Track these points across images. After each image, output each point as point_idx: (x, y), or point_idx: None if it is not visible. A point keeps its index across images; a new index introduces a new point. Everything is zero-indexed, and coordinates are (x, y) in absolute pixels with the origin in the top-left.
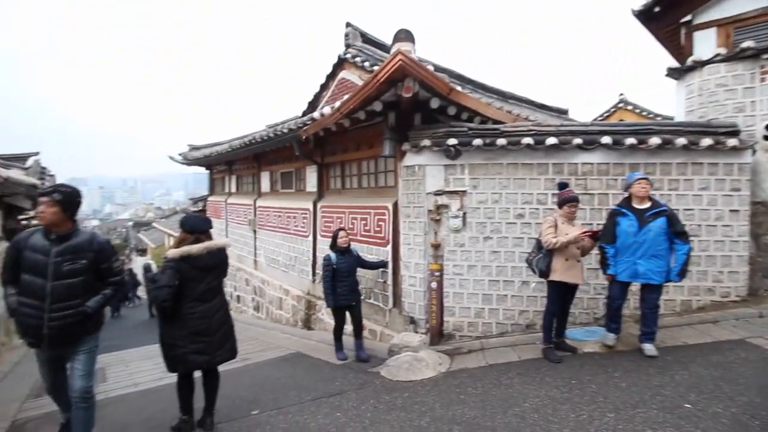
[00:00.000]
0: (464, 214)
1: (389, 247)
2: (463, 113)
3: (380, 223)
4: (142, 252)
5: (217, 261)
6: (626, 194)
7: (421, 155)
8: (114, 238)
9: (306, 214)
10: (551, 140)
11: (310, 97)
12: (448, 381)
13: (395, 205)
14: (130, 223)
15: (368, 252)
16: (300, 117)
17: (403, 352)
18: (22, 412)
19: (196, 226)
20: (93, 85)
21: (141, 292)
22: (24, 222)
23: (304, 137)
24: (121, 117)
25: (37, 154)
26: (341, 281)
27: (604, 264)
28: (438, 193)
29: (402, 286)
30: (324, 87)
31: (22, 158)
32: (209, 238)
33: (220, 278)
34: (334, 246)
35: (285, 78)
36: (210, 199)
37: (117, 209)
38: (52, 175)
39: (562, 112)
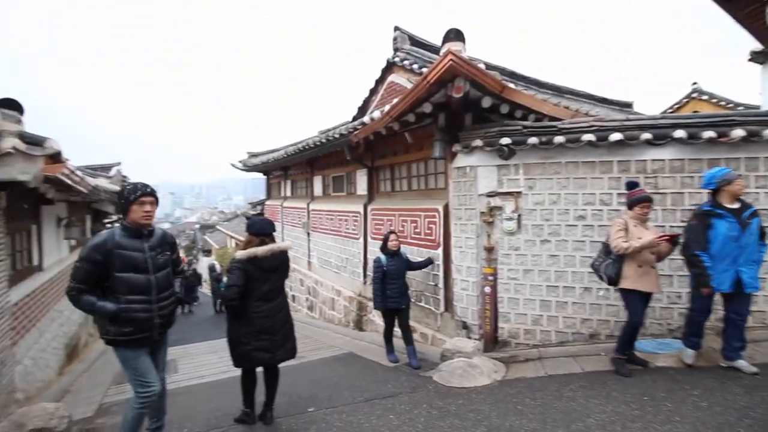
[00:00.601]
0: (519, 216)
1: (440, 250)
2: (516, 111)
3: (431, 225)
4: (207, 252)
5: (280, 262)
6: (709, 192)
7: (473, 156)
8: (183, 240)
9: (357, 216)
10: (615, 136)
11: (360, 103)
12: (504, 390)
13: (446, 208)
14: (197, 226)
15: (419, 255)
16: (350, 122)
17: (456, 358)
18: (107, 397)
19: (262, 228)
20: (155, 97)
21: (202, 290)
22: (108, 225)
23: (354, 141)
24: (184, 124)
25: (118, 164)
26: (391, 284)
27: (703, 276)
28: (491, 195)
29: (454, 289)
30: (373, 91)
31: (106, 168)
32: (272, 240)
33: (283, 279)
34: (384, 248)
35: (340, 81)
36: (267, 203)
37: (185, 213)
38: (128, 185)
39: (625, 106)
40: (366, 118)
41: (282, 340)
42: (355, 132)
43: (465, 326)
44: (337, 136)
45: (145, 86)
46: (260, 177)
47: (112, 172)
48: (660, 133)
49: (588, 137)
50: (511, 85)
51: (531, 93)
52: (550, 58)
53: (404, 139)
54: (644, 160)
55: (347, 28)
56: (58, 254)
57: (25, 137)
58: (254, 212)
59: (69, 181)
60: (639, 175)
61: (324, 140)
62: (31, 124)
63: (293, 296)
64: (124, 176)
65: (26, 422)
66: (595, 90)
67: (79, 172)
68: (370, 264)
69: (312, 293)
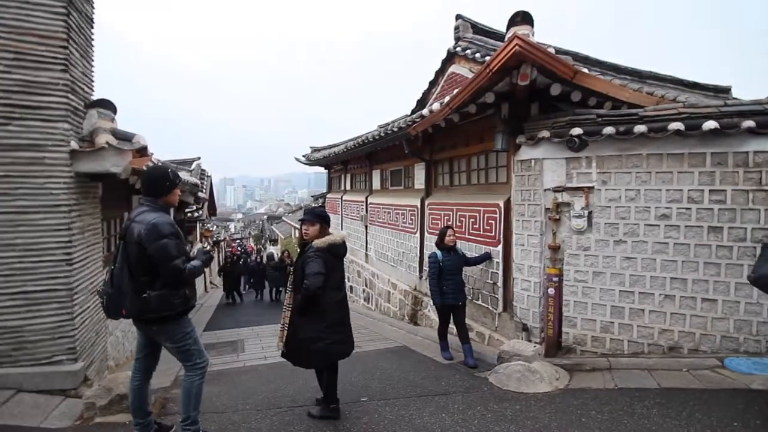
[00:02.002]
0: (590, 213)
1: (500, 248)
2: (589, 99)
3: (490, 221)
4: (274, 242)
5: (346, 250)
6: None
7: (539, 148)
8: (253, 229)
9: (414, 210)
10: (710, 124)
11: (419, 95)
12: (567, 399)
13: (507, 203)
14: (265, 217)
15: (477, 252)
16: (409, 115)
17: (514, 361)
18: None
19: (329, 219)
20: (231, 91)
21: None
22: (189, 214)
23: (412, 135)
24: (257, 120)
25: (198, 159)
26: (447, 279)
27: None
28: (558, 190)
29: (514, 289)
30: (433, 83)
31: (188, 162)
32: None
33: (344, 268)
34: (440, 244)
35: (404, 74)
36: (328, 196)
37: (256, 205)
38: (209, 176)
39: (721, 91)
40: (425, 111)
41: (350, 332)
42: (414, 125)
43: (525, 328)
44: (395, 129)
45: (219, 82)
46: (323, 171)
47: (193, 165)
48: (766, 120)
49: (675, 126)
50: (585, 70)
51: (607, 79)
52: (640, 45)
53: (464, 132)
54: (745, 152)
55: (413, 20)
56: None
57: (117, 133)
58: (315, 204)
59: None
60: (738, 168)
61: (382, 134)
62: (189, 129)
63: (351, 287)
64: (203, 170)
65: (113, 387)
66: (686, 76)
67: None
68: (426, 259)
69: (369, 285)
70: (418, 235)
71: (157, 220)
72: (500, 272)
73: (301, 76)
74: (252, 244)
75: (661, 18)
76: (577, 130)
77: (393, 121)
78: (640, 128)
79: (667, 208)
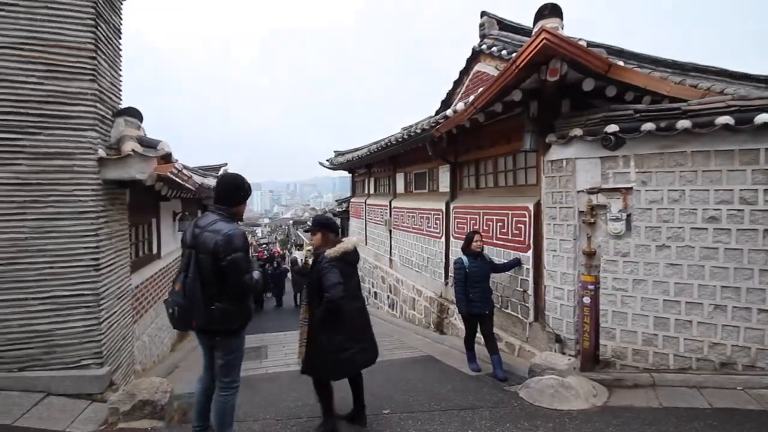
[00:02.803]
0: (629, 216)
1: (530, 253)
2: (626, 94)
3: (519, 225)
4: (299, 247)
5: (359, 256)
6: None
7: (571, 147)
8: (279, 234)
9: (438, 214)
10: (763, 117)
11: (443, 96)
12: (606, 418)
13: (537, 206)
14: (291, 222)
15: (505, 258)
16: (433, 116)
17: (547, 375)
18: None
19: (338, 227)
20: (254, 97)
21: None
22: None
23: (436, 136)
24: (284, 125)
25: (225, 165)
26: (474, 287)
27: None
28: (592, 191)
29: (545, 297)
30: (457, 83)
31: (215, 168)
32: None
33: (358, 273)
34: (466, 249)
35: (431, 76)
36: (352, 200)
37: (282, 209)
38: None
39: None
40: (449, 111)
41: (372, 339)
42: (437, 126)
43: (558, 339)
44: (418, 131)
45: (247, 89)
46: (347, 175)
47: (220, 171)
48: None
49: (724, 120)
50: (620, 63)
51: (645, 72)
52: (677, 37)
53: (490, 132)
54: None
55: (439, 19)
56: (174, 244)
57: (142, 141)
58: (340, 209)
59: (178, 180)
60: None
61: (405, 136)
62: (222, 133)
63: (375, 293)
64: (243, 177)
65: (137, 393)
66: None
67: (186, 171)
68: (452, 265)
69: (393, 291)
70: (443, 239)
71: (233, 232)
72: (530, 279)
73: (329, 81)
74: (278, 249)
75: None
76: (612, 127)
77: (416, 123)
78: (684, 123)
79: (716, 209)
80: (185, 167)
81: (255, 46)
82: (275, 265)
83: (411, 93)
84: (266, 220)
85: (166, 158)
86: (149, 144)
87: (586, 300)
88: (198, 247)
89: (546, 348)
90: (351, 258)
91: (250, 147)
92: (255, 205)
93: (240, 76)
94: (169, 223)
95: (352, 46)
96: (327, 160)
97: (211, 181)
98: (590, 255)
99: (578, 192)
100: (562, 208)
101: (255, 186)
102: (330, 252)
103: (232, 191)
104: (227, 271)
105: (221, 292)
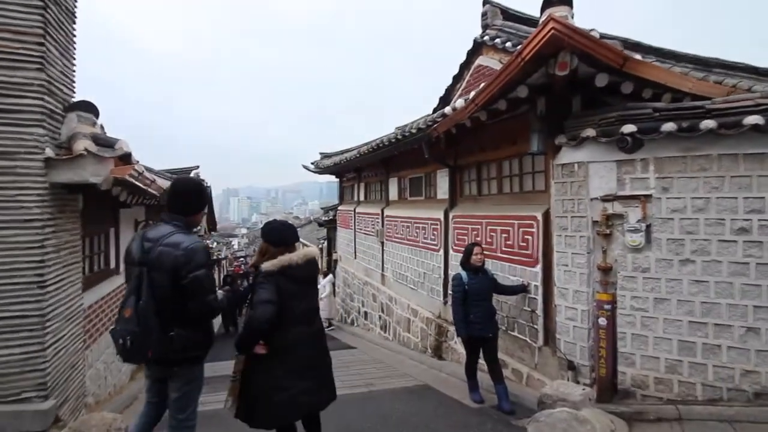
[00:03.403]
0: (648, 227)
1: (538, 268)
2: (644, 90)
3: (526, 237)
4: None
5: (314, 271)
6: None
7: (583, 149)
8: (258, 247)
9: (436, 224)
10: None
11: (442, 92)
12: None
13: (546, 215)
14: None
15: (511, 273)
16: (430, 115)
17: (559, 407)
18: None
19: (282, 238)
20: (230, 99)
21: None
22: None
23: (434, 136)
24: (263, 125)
25: (197, 168)
26: (474, 306)
27: None
28: (607, 199)
29: (556, 319)
30: (457, 78)
31: (185, 171)
32: (295, 250)
33: (317, 294)
34: (466, 263)
35: (424, 75)
36: (340, 208)
37: (261, 218)
38: (209, 187)
39: None
40: (447, 109)
41: (327, 376)
42: (435, 125)
43: (571, 366)
44: (413, 131)
45: (218, 84)
46: (335, 180)
47: (191, 175)
48: None
49: (753, 120)
50: (638, 56)
51: (665, 67)
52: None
53: (494, 132)
54: None
55: (433, 11)
56: None
57: (98, 139)
58: (326, 218)
59: (138, 184)
60: None
61: (399, 136)
62: (192, 137)
63: (366, 313)
64: (202, 180)
65: (84, 431)
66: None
67: (149, 174)
68: (450, 280)
69: (385, 311)
70: (441, 252)
71: (195, 246)
72: (540, 298)
73: (312, 76)
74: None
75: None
76: (629, 128)
77: (412, 123)
78: (709, 124)
79: (745, 220)
80: (148, 170)
81: (233, 38)
82: (251, 280)
83: (408, 91)
84: (243, 231)
85: (125, 159)
86: (105, 143)
87: (602, 321)
88: (151, 264)
89: (557, 376)
90: (298, 273)
91: (225, 148)
92: (231, 214)
93: (215, 71)
94: (131, 233)
95: (342, 40)
96: (312, 163)
97: None
98: (606, 270)
99: (592, 199)
100: (574, 218)
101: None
102: (266, 264)
103: (190, 197)
104: (189, 290)
105: (180, 316)
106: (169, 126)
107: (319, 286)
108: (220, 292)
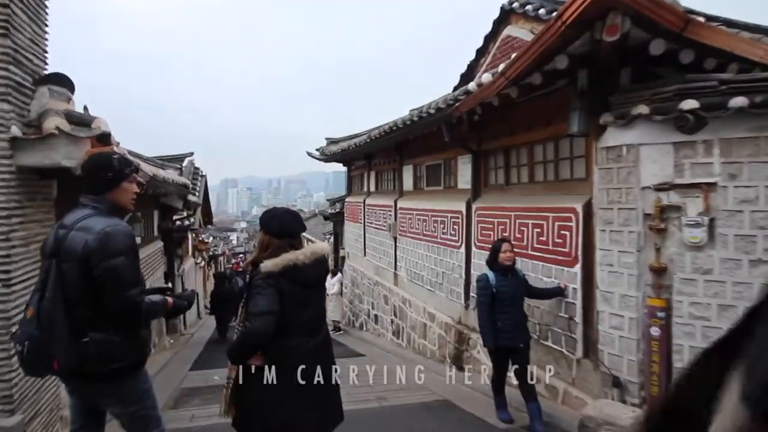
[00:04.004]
0: (711, 221)
1: (577, 268)
2: (706, 60)
3: (563, 232)
4: None
5: (323, 273)
6: None
7: (633, 130)
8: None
9: (457, 217)
10: None
11: (464, 69)
12: None
13: (588, 207)
14: None
15: (545, 274)
16: (451, 94)
17: (604, 430)
18: None
19: (286, 227)
20: (233, 86)
21: None
22: (178, 222)
23: (455, 117)
24: (265, 109)
25: (191, 155)
26: (503, 312)
27: None
28: (662, 188)
29: (599, 327)
30: (482, 52)
31: (178, 159)
32: (301, 244)
33: (324, 299)
34: (493, 262)
35: (444, 58)
36: (348, 199)
37: (262, 211)
38: (203, 175)
39: None
40: (471, 85)
41: (332, 394)
42: (457, 104)
43: (617, 383)
44: (432, 111)
45: (214, 65)
46: (343, 169)
47: (185, 163)
48: None
49: None
50: (701, 19)
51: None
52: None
53: (525, 112)
54: None
55: None
56: None
57: (72, 117)
58: (332, 210)
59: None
60: None
61: (415, 118)
62: (187, 127)
63: (376, 316)
64: (197, 168)
65: None
66: None
67: (134, 160)
68: (474, 282)
69: (398, 315)
70: (462, 250)
71: (111, 230)
72: (579, 303)
73: (321, 55)
74: None
75: None
76: (690, 103)
77: (429, 103)
78: None
79: None
80: (135, 155)
81: (233, 14)
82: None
83: (424, 73)
84: (243, 225)
85: (103, 139)
86: (81, 121)
87: (655, 331)
88: (59, 254)
89: (600, 393)
90: (305, 275)
91: (223, 135)
92: (230, 206)
93: (211, 51)
94: None
95: (352, 14)
96: (317, 150)
97: (171, 174)
98: (659, 272)
99: (643, 188)
100: (621, 210)
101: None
102: (266, 264)
103: (95, 172)
104: (103, 284)
105: (98, 317)
106: (162, 111)
107: (327, 285)
108: (156, 297)
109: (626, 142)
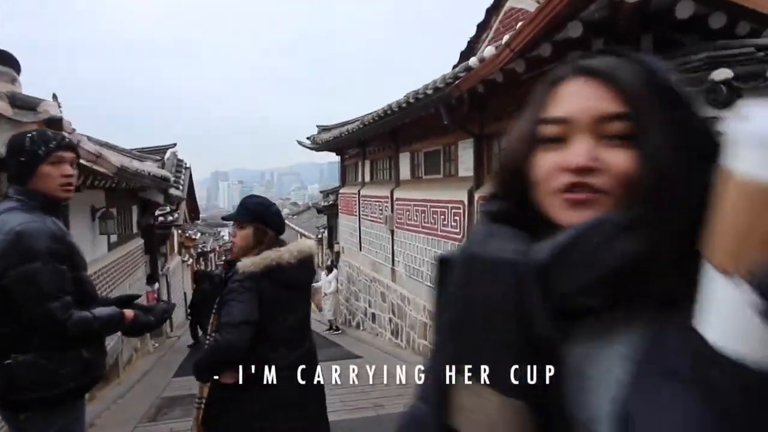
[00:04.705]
0: None
1: None
2: (739, 24)
3: None
4: None
5: (310, 275)
6: None
7: None
8: None
9: (458, 208)
10: None
11: (463, 46)
12: None
13: None
14: None
15: None
16: (450, 72)
17: None
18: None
19: (279, 221)
20: (221, 77)
21: None
22: (161, 218)
23: (455, 96)
24: (255, 98)
25: (173, 146)
26: None
27: None
28: None
29: None
30: (483, 27)
31: (161, 150)
32: (284, 241)
33: (310, 304)
34: None
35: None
36: (342, 191)
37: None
38: (188, 168)
39: None
40: (473, 60)
41: (318, 415)
42: (457, 82)
43: None
44: (429, 92)
45: (201, 52)
46: (337, 160)
47: (167, 155)
48: None
49: None
50: None
51: None
52: None
53: (531, 90)
54: None
55: None
56: (91, 252)
57: (15, 100)
58: (326, 202)
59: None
60: None
61: (411, 100)
62: (174, 118)
63: (373, 315)
64: (180, 160)
65: None
66: None
67: (94, 147)
68: None
69: (397, 313)
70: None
71: (23, 228)
72: None
73: (317, 44)
74: None
75: None
76: (723, 73)
77: (426, 84)
78: None
79: None
80: (99, 142)
81: (223, 3)
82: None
83: (422, 58)
84: None
85: (52, 124)
86: (25, 104)
87: None
88: None
89: None
90: (289, 277)
91: (213, 127)
92: (221, 200)
93: (196, 35)
94: (86, 223)
95: (344, 3)
96: (308, 138)
97: (149, 166)
98: None
99: None
100: None
101: (221, 176)
102: (245, 264)
103: (8, 158)
104: (15, 295)
105: (21, 334)
106: (147, 101)
107: (322, 282)
108: (106, 310)
109: None
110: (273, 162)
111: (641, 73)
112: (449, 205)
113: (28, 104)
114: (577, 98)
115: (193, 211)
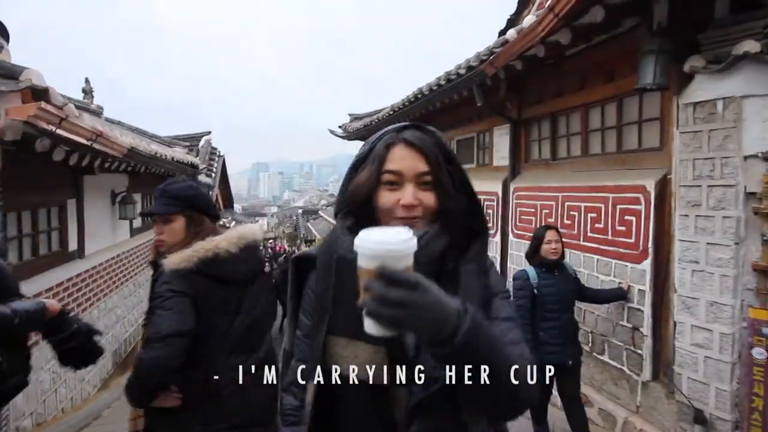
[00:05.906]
0: None
1: (647, 265)
2: None
3: (628, 217)
4: (310, 243)
5: (258, 266)
6: None
7: (734, 77)
8: (288, 227)
9: (491, 200)
10: None
11: (502, 24)
12: None
13: (662, 184)
14: (300, 212)
15: (602, 271)
16: (483, 50)
17: None
18: None
19: (209, 203)
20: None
21: None
22: None
23: (490, 74)
24: (298, 95)
25: (208, 134)
26: (548, 318)
27: None
28: None
29: (675, 342)
30: (524, 2)
31: (196, 137)
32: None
33: (265, 300)
34: (535, 255)
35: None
36: None
37: (294, 196)
38: (221, 156)
39: None
40: (511, 32)
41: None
42: (491, 58)
43: (700, 419)
44: (462, 72)
45: (244, 45)
46: None
47: (201, 142)
48: None
49: None
50: None
51: None
52: None
53: (579, 65)
54: None
55: None
56: (111, 238)
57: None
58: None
59: (62, 132)
60: None
61: (443, 81)
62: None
63: None
64: (215, 148)
65: None
66: None
67: (87, 122)
68: (510, 280)
69: None
70: (497, 239)
71: None
72: (647, 310)
73: (360, 37)
74: (285, 245)
75: None
76: None
77: (459, 64)
78: None
79: None
80: (121, 125)
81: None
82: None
83: (473, 46)
84: (274, 209)
85: (38, 95)
86: (7, 72)
87: (759, 354)
88: None
89: (674, 427)
90: (227, 271)
91: (256, 119)
92: (261, 190)
93: (241, 30)
94: (104, 207)
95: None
96: (339, 127)
97: (175, 152)
98: (767, 272)
99: (746, 158)
100: (713, 188)
101: (261, 167)
102: (172, 261)
103: None
104: None
105: None
106: (195, 93)
107: None
108: (20, 304)
109: (723, 95)
110: (312, 153)
111: (435, 143)
112: (482, 197)
113: (11, 73)
114: (404, 160)
115: (227, 198)
